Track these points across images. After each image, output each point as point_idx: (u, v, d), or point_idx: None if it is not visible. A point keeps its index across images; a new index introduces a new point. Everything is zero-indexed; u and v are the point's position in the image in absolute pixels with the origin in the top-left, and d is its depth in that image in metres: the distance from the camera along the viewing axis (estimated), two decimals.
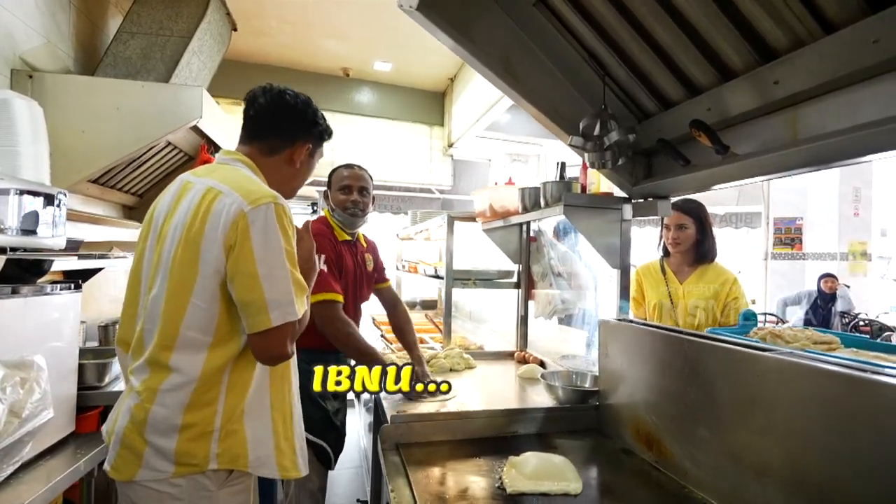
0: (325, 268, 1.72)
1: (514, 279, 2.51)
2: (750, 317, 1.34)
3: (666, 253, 2.07)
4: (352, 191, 1.87)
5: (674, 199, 2.02)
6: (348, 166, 1.94)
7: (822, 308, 5.10)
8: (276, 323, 0.99)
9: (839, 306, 5.03)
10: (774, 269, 5.90)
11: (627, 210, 1.59)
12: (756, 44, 1.06)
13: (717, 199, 7.81)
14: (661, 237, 2.08)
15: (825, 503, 0.85)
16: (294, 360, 1.19)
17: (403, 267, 3.82)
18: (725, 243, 8.05)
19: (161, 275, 1.05)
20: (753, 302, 5.71)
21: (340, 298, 1.73)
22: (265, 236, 1.00)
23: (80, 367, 1.76)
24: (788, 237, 5.89)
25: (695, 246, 1.97)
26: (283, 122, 1.20)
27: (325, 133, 1.29)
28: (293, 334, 1.05)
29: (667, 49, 1.24)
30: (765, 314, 5.12)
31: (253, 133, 1.20)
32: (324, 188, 2.01)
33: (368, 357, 1.70)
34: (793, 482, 0.91)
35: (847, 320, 4.87)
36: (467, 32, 1.44)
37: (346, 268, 1.84)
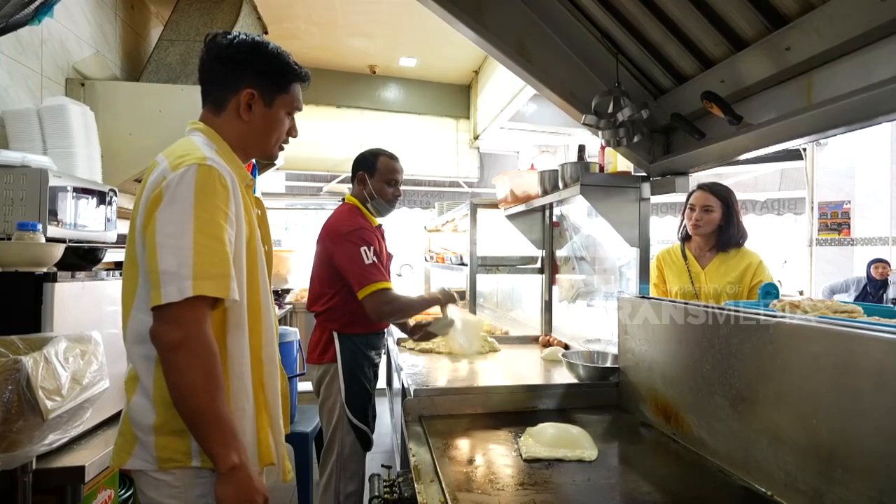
0: (376, 259, 1.78)
1: (538, 265, 2.53)
2: (771, 290, 1.32)
3: (686, 237, 2.01)
4: (398, 184, 1.94)
5: (703, 182, 1.99)
6: (394, 157, 1.95)
7: (873, 295, 4.83)
8: (166, 299, 0.85)
9: (891, 293, 4.75)
10: (820, 256, 5.62)
11: (646, 188, 1.59)
12: (765, 10, 1.05)
13: (759, 185, 7.52)
14: (681, 221, 2.02)
15: (836, 465, 0.85)
16: (272, 345, 1.08)
17: (431, 258, 3.89)
18: (767, 231, 7.74)
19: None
20: (801, 293, 5.47)
21: (390, 286, 1.80)
22: (174, 200, 0.89)
23: None
24: (835, 222, 5.60)
25: (717, 231, 1.91)
26: (218, 69, 1.04)
27: (286, 75, 1.08)
28: (198, 319, 0.87)
29: (677, 22, 1.24)
30: None
31: (202, 90, 1.07)
32: (350, 185, 2.07)
33: (425, 304, 1.95)
34: (804, 445, 0.91)
35: None
36: (481, 18, 1.48)
37: (381, 252, 1.90)
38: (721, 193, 1.91)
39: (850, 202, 5.52)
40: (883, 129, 5.15)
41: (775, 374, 0.98)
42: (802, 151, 5.60)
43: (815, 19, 0.98)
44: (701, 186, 1.94)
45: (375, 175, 1.91)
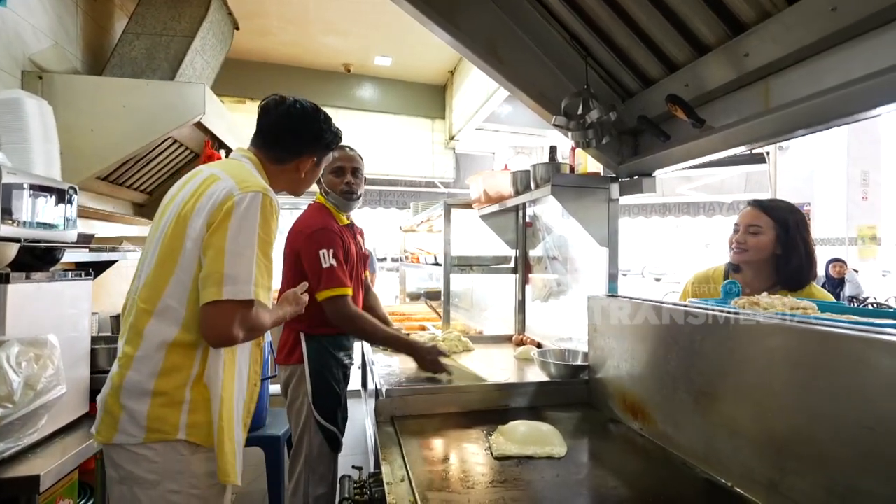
0: (335, 262, 1.73)
1: (512, 264, 2.55)
2: (732, 288, 1.37)
3: (735, 268, 1.57)
4: (345, 172, 1.86)
5: (757, 199, 1.56)
6: (343, 147, 1.89)
7: (831, 293, 5.06)
8: (225, 296, 1.02)
9: (848, 291, 4.98)
10: None
11: (614, 189, 1.63)
12: (725, 17, 1.09)
13: (725, 187, 7.76)
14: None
15: (790, 455, 0.88)
16: (247, 361, 1.19)
17: (406, 258, 3.88)
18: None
19: (154, 247, 1.14)
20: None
21: (350, 292, 1.75)
22: (244, 218, 1.07)
23: (93, 352, 1.85)
24: None
25: (772, 261, 1.48)
26: (290, 138, 1.29)
27: (331, 143, 1.37)
28: (243, 318, 1.05)
29: (644, 27, 1.27)
30: None
31: (263, 141, 1.30)
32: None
33: (391, 342, 1.80)
34: (761, 438, 0.94)
35: (856, 305, 4.83)
36: (453, 19, 1.49)
37: (350, 253, 1.86)
38: (774, 211, 1.47)
39: (810, 204, 5.77)
40: (840, 136, 5.40)
41: (734, 369, 1.02)
42: (766, 155, 5.81)
43: (771, 27, 1.02)
44: (751, 203, 1.54)
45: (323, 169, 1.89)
